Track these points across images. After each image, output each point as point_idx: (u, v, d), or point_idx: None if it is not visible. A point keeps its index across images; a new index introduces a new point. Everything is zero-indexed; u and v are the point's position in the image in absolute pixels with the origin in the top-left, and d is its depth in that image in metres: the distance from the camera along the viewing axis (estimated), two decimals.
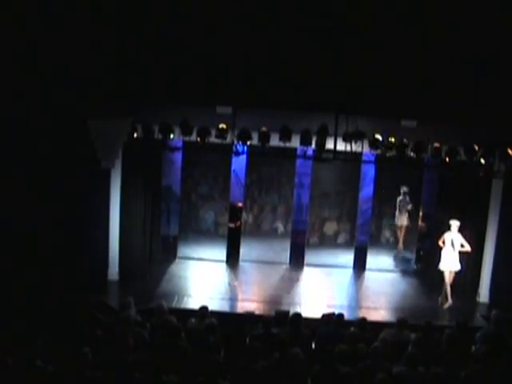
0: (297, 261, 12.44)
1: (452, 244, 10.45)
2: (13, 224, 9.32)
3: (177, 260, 12.37)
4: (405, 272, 12.61)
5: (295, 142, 9.59)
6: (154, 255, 11.71)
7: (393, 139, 9.39)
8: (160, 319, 7.72)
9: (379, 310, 10.31)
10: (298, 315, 7.73)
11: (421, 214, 12.64)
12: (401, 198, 13.28)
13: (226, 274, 11.86)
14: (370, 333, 7.69)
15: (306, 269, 12.34)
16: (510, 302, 9.82)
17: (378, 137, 9.41)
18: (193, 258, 12.51)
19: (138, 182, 10.96)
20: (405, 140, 9.37)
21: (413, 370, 6.33)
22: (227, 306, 10.17)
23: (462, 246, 10.46)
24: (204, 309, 7.86)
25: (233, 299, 10.58)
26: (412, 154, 9.40)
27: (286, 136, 9.38)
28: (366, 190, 12.40)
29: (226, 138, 9.49)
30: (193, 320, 7.87)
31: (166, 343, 6.74)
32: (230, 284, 11.29)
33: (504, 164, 9.33)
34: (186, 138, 9.55)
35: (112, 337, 6.89)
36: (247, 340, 7.35)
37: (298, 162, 12.00)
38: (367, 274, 12.35)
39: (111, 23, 8.84)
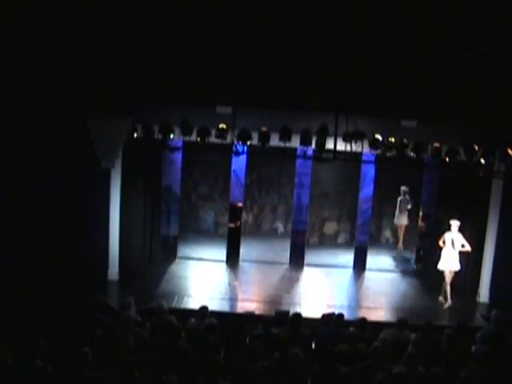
0: (297, 261, 12.43)
1: (452, 244, 10.46)
2: (13, 224, 9.32)
3: (177, 260, 12.36)
4: (405, 272, 12.60)
5: (295, 142, 9.59)
6: (153, 255, 11.71)
7: (393, 139, 9.38)
8: (160, 319, 7.71)
9: (379, 310, 10.31)
10: (298, 315, 7.73)
11: (421, 213, 12.63)
12: (401, 197, 13.28)
13: (225, 273, 11.85)
14: (369, 333, 7.69)
15: (305, 269, 12.33)
16: (510, 302, 9.84)
17: (378, 137, 9.40)
18: (193, 258, 12.51)
19: (138, 182, 10.96)
20: (405, 140, 9.37)
21: (413, 370, 6.32)
22: (227, 306, 10.17)
23: (463, 245, 10.47)
24: (204, 309, 7.86)
25: (233, 299, 10.58)
26: (412, 153, 9.39)
27: (286, 136, 9.38)
28: (366, 190, 12.39)
29: (226, 138, 9.49)
30: (193, 320, 7.87)
31: (166, 343, 6.73)
32: (230, 284, 11.28)
33: (504, 164, 9.33)
34: (186, 138, 9.55)
35: (112, 337, 6.88)
36: (247, 340, 7.35)
37: (298, 162, 11.98)
38: (367, 273, 12.34)
39: (111, 23, 8.85)
